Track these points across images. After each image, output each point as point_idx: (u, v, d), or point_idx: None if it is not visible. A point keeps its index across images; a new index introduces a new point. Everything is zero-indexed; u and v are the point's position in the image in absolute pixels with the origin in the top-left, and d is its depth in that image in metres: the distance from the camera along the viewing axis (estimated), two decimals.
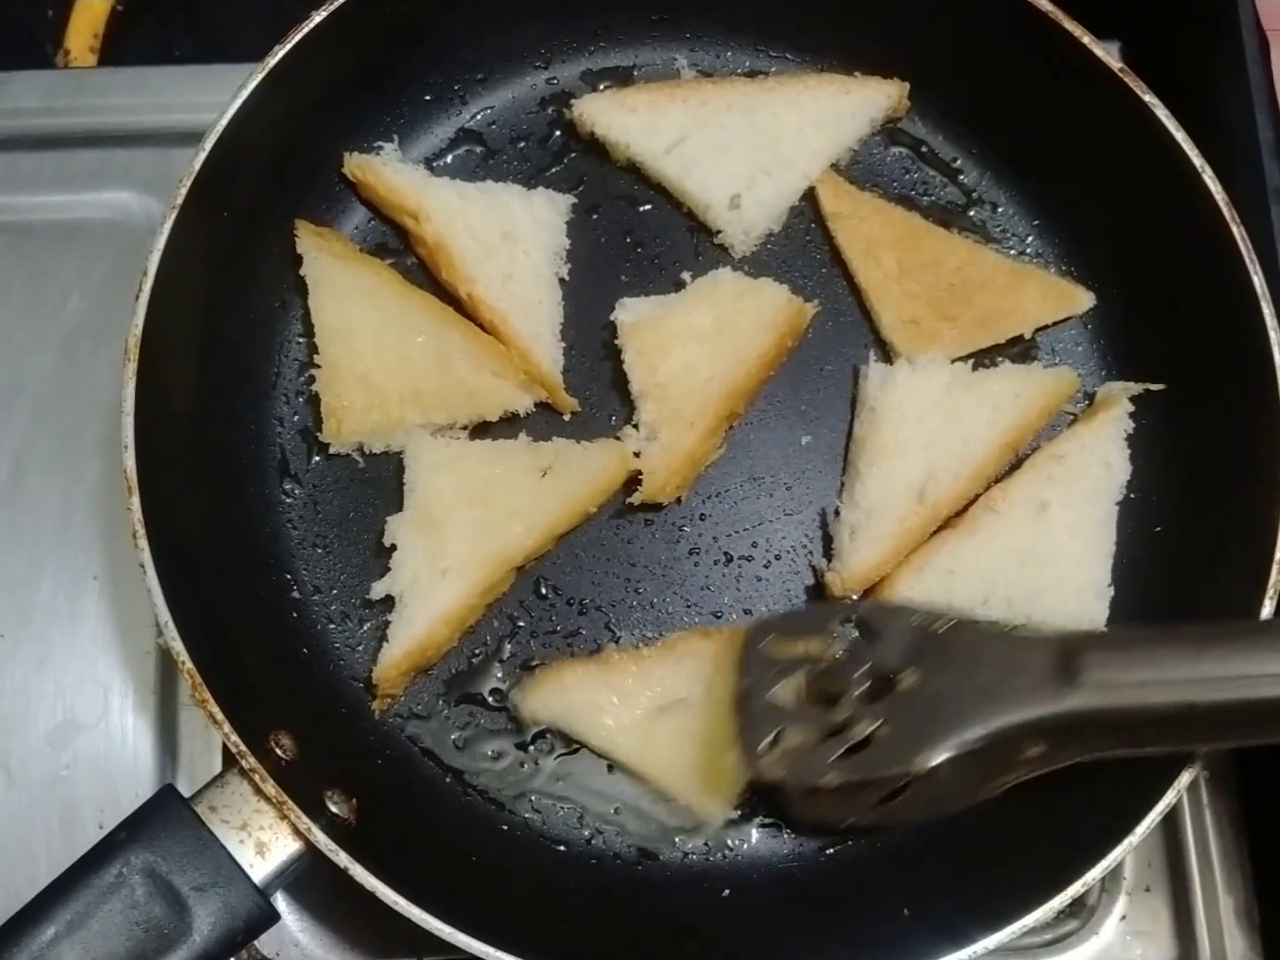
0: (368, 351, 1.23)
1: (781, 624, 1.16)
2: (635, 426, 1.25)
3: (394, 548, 1.20)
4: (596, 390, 1.30)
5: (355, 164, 1.31)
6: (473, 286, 1.27)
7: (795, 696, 1.10)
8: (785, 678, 1.10)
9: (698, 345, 1.25)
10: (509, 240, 1.29)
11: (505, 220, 1.29)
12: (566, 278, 1.32)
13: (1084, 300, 1.34)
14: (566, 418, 1.29)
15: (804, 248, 1.35)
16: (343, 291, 1.25)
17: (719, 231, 1.33)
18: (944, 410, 1.26)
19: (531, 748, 1.21)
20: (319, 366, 1.24)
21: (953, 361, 1.29)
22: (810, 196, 1.35)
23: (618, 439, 1.26)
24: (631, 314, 1.27)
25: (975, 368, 1.30)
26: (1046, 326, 1.34)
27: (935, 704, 1.02)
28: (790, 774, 1.06)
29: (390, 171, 1.30)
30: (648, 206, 1.36)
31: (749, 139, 1.33)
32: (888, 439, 1.25)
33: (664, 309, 1.27)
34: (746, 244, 1.33)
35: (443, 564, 1.18)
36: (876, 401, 1.26)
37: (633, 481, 1.24)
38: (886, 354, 1.32)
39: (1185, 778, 1.08)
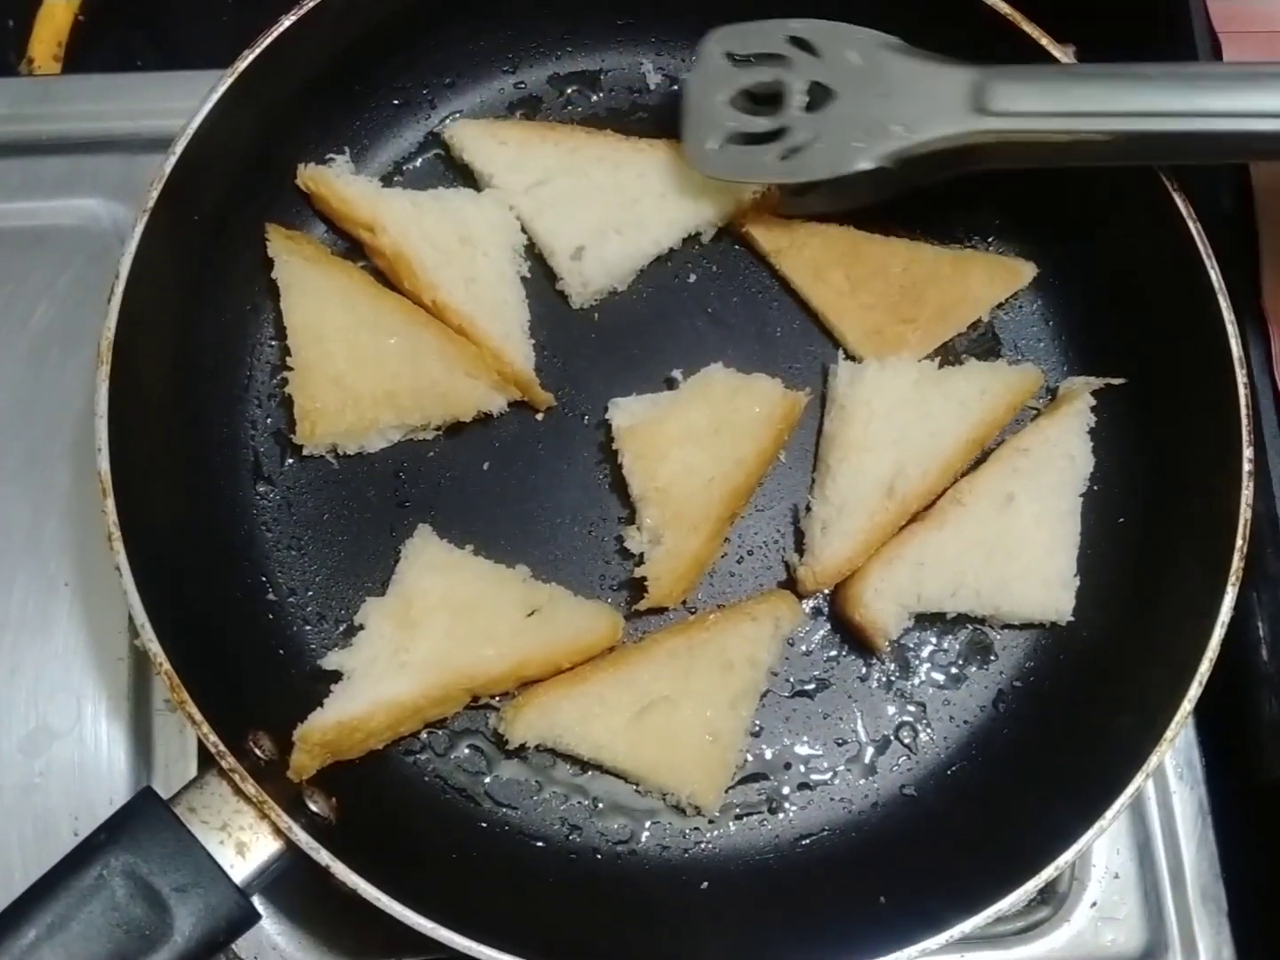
0: (340, 353, 1.23)
1: (736, 30, 1.26)
2: (638, 529, 1.24)
3: (361, 628, 1.19)
4: (569, 390, 1.31)
5: (308, 176, 1.30)
6: (436, 293, 1.27)
7: (740, 99, 1.25)
8: (734, 82, 1.25)
9: (696, 446, 1.25)
10: (467, 244, 1.29)
11: (461, 225, 1.30)
12: (528, 275, 1.33)
13: (1027, 273, 1.36)
14: (540, 416, 1.30)
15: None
16: (315, 294, 1.25)
17: (559, 279, 1.32)
18: (912, 407, 1.28)
19: (508, 746, 1.21)
20: (291, 369, 1.24)
21: (920, 360, 1.31)
22: (744, 240, 1.36)
23: (620, 539, 1.26)
24: (626, 416, 1.25)
25: (942, 365, 1.32)
26: (1008, 322, 1.36)
27: (863, 119, 1.20)
28: (730, 171, 1.26)
29: (343, 184, 1.29)
30: None
31: (609, 195, 1.32)
32: (857, 435, 1.27)
33: (659, 410, 1.26)
34: (584, 297, 1.32)
35: (404, 657, 1.16)
36: (846, 399, 1.28)
37: (637, 586, 1.24)
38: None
39: (1154, 761, 1.11)
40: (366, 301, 1.25)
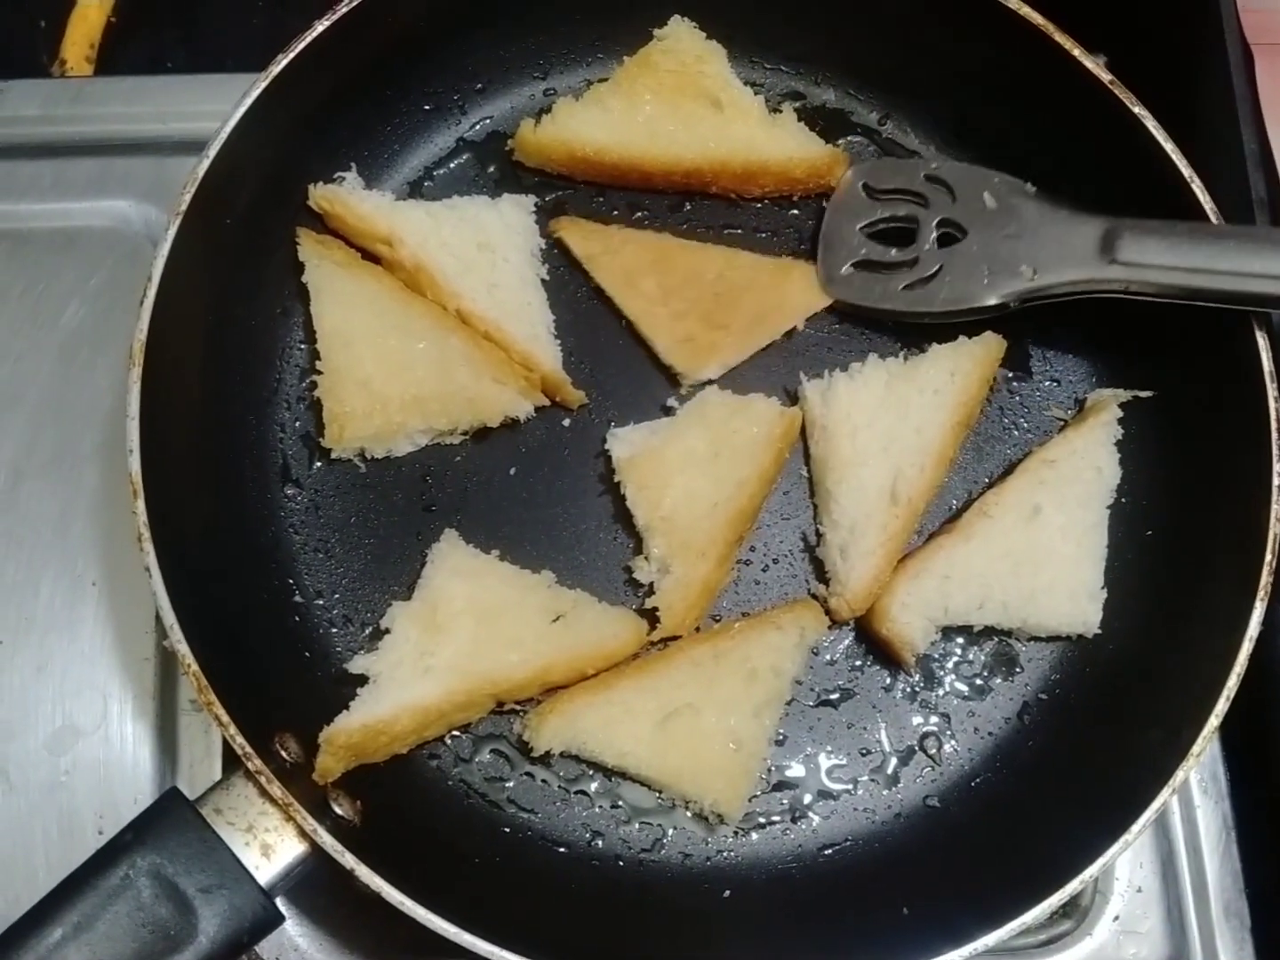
0: (369, 358, 1.23)
1: (876, 166, 1.37)
2: (646, 559, 1.24)
3: (387, 631, 1.19)
4: (595, 396, 1.31)
5: (321, 196, 1.29)
6: (460, 302, 1.28)
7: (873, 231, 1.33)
8: (870, 214, 1.33)
9: (697, 472, 1.24)
10: (486, 250, 1.30)
11: (478, 231, 1.30)
12: (546, 278, 1.33)
13: None
14: (566, 422, 1.30)
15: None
16: (344, 298, 1.25)
17: None
18: (890, 408, 1.27)
19: (533, 754, 1.21)
20: (320, 373, 1.25)
21: (884, 359, 1.30)
22: (560, 245, 1.35)
23: (628, 569, 1.25)
24: (626, 446, 1.25)
25: (905, 358, 1.31)
26: (1037, 334, 1.35)
27: (991, 258, 1.27)
28: (858, 296, 1.32)
29: (357, 200, 1.29)
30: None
31: None
32: (846, 452, 1.26)
33: (657, 438, 1.26)
34: None
35: (430, 661, 1.17)
36: (825, 419, 1.27)
37: (650, 616, 1.24)
38: (672, 379, 1.32)
39: (1180, 776, 1.10)
40: (396, 307, 1.26)
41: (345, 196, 1.29)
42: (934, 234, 1.30)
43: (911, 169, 1.34)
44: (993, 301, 1.26)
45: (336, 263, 1.27)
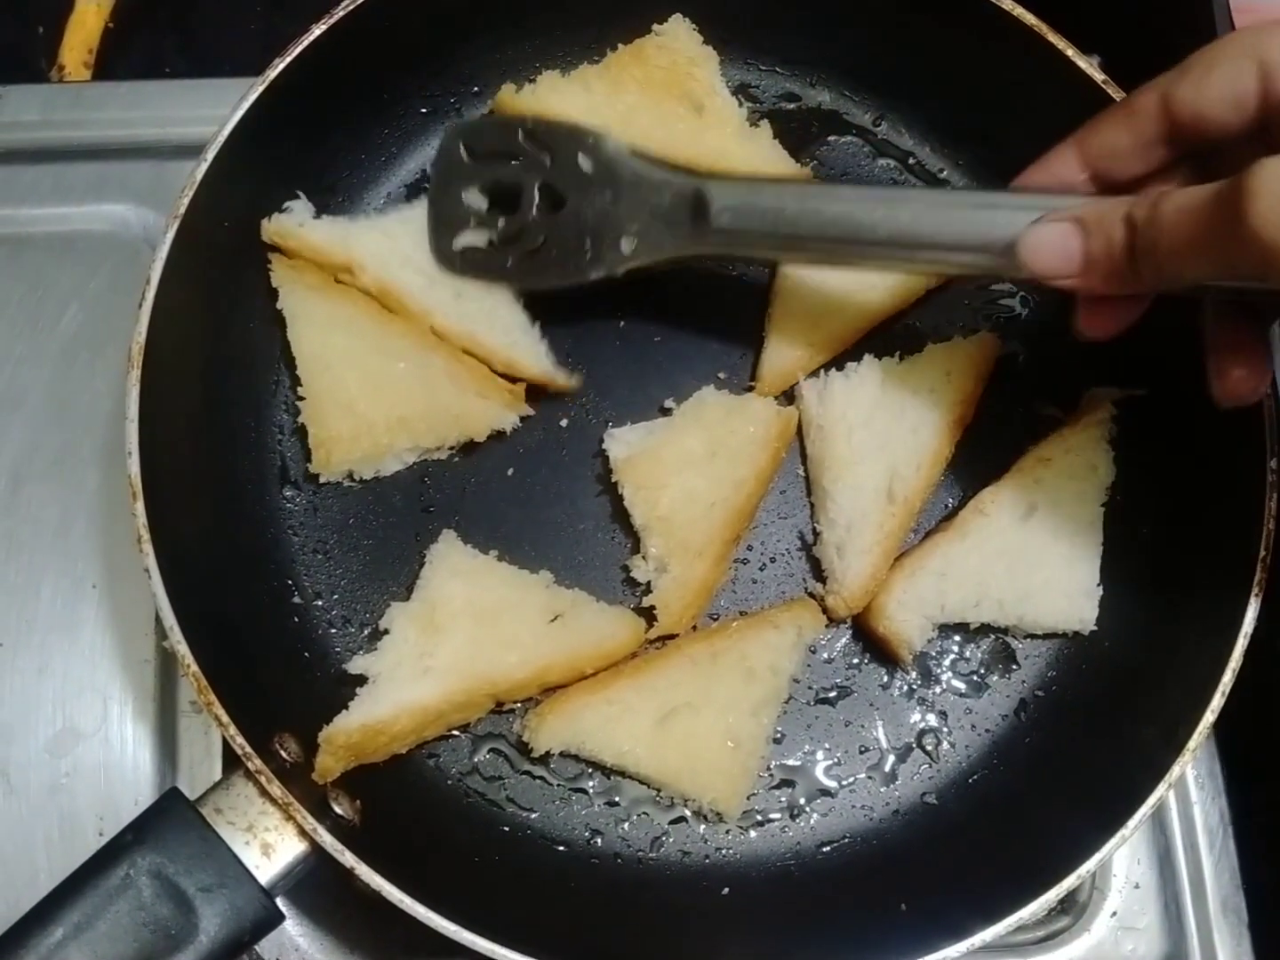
0: (351, 380, 1.22)
1: (473, 125, 1.33)
2: (644, 558, 1.24)
3: (386, 632, 1.19)
4: (592, 397, 1.31)
5: (274, 230, 1.26)
6: (432, 319, 1.26)
7: (480, 198, 1.26)
8: (473, 181, 1.26)
9: (694, 472, 1.24)
10: None
11: None
12: None
13: None
14: (564, 423, 1.30)
15: None
16: (321, 322, 1.24)
17: None
18: (886, 408, 1.27)
19: (533, 754, 1.21)
20: (303, 399, 1.24)
21: (880, 358, 1.30)
22: None
23: (626, 568, 1.26)
24: (623, 446, 1.25)
25: (901, 357, 1.31)
26: (1031, 331, 1.36)
27: (591, 228, 1.22)
28: (474, 272, 1.27)
29: (307, 231, 1.26)
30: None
31: None
32: (843, 451, 1.26)
33: (655, 438, 1.26)
34: None
35: (429, 662, 1.16)
36: (822, 418, 1.27)
37: (647, 614, 1.24)
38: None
39: (1176, 771, 1.11)
40: (373, 328, 1.24)
41: (294, 230, 1.26)
42: (536, 200, 1.24)
43: (509, 128, 1.26)
44: (597, 276, 1.23)
45: (310, 286, 1.25)
